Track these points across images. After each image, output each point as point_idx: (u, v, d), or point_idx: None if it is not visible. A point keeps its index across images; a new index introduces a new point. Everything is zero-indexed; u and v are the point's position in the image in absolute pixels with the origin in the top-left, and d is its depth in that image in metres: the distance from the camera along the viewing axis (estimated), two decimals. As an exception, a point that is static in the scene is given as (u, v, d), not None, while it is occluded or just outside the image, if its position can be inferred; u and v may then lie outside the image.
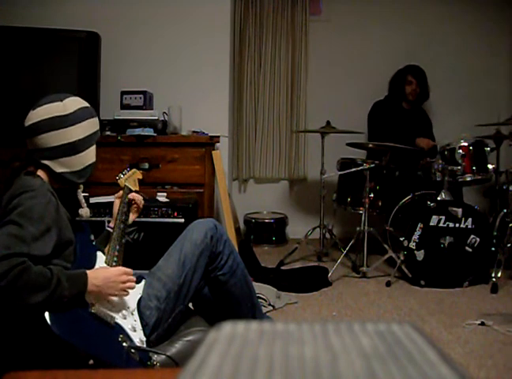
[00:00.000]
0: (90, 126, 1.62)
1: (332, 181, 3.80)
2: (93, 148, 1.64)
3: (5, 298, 1.26)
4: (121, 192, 1.90)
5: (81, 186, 1.65)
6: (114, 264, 1.61)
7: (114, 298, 1.51)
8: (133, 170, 2.03)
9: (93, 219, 2.78)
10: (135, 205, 1.91)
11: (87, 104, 1.66)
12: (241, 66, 4.44)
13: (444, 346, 2.20)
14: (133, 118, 3.37)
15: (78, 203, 1.64)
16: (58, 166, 1.56)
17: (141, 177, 2.05)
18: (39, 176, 1.54)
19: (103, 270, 1.51)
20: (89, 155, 1.62)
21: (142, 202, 1.92)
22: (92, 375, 1.14)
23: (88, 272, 1.43)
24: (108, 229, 1.84)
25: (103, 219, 2.70)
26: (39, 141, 1.54)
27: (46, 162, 1.55)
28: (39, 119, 1.54)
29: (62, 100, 1.58)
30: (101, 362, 1.29)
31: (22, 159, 1.59)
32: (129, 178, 1.96)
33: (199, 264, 1.75)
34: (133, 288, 1.56)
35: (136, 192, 1.95)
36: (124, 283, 1.51)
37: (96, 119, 1.66)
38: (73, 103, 1.59)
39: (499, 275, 2.99)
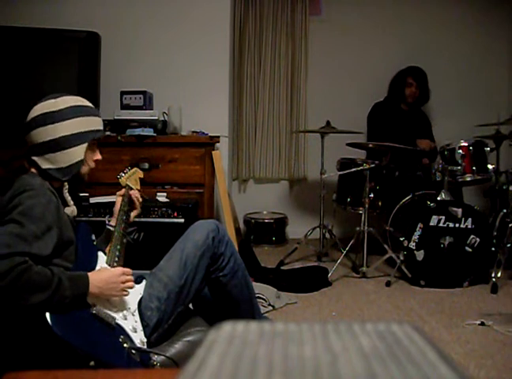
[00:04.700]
0: (81, 125, 1.58)
1: (332, 181, 3.80)
2: (82, 147, 1.59)
3: (6, 298, 1.26)
4: (123, 190, 1.90)
5: (66, 184, 1.63)
6: (115, 264, 1.60)
7: (115, 299, 1.51)
8: (135, 169, 2.04)
9: (93, 219, 2.78)
10: (135, 203, 1.91)
11: (86, 104, 1.64)
12: (241, 66, 4.44)
13: (444, 346, 2.20)
14: (133, 118, 3.36)
15: (65, 201, 1.63)
16: (44, 163, 1.56)
17: (142, 176, 2.05)
18: (39, 176, 1.54)
19: (103, 271, 1.51)
20: (76, 153, 1.58)
21: (140, 199, 1.93)
22: (93, 375, 1.14)
23: (88, 273, 1.43)
24: (108, 227, 1.84)
25: (103, 219, 2.70)
26: (31, 138, 1.56)
27: (34, 158, 1.56)
28: (32, 116, 1.56)
29: (56, 98, 1.58)
30: (102, 363, 1.29)
31: (22, 158, 1.59)
32: (131, 177, 1.97)
33: (200, 265, 1.74)
34: (132, 288, 1.56)
35: (137, 191, 1.95)
36: (124, 283, 1.51)
37: (92, 118, 1.63)
38: (66, 101, 1.58)
39: (499, 275, 2.99)
